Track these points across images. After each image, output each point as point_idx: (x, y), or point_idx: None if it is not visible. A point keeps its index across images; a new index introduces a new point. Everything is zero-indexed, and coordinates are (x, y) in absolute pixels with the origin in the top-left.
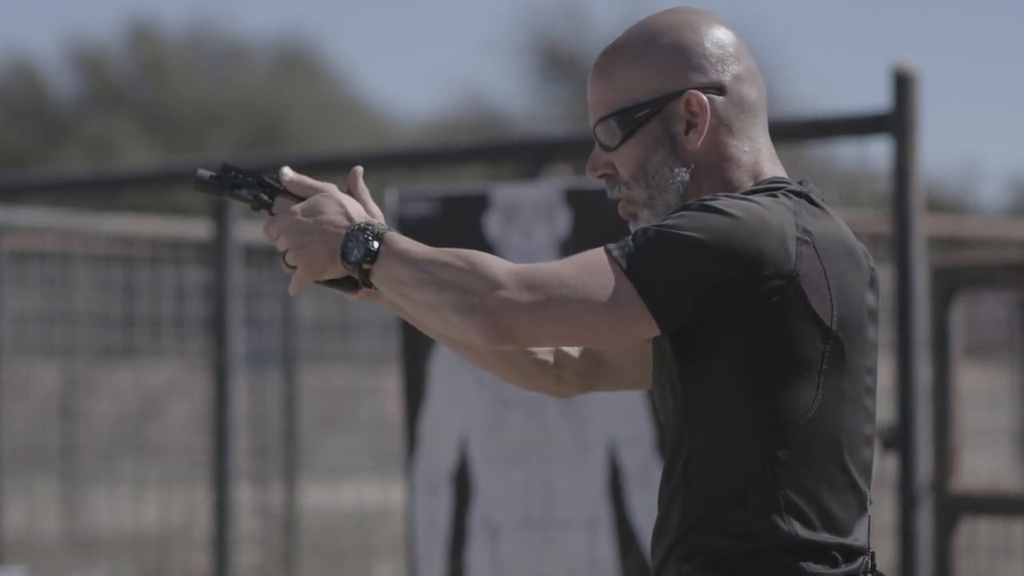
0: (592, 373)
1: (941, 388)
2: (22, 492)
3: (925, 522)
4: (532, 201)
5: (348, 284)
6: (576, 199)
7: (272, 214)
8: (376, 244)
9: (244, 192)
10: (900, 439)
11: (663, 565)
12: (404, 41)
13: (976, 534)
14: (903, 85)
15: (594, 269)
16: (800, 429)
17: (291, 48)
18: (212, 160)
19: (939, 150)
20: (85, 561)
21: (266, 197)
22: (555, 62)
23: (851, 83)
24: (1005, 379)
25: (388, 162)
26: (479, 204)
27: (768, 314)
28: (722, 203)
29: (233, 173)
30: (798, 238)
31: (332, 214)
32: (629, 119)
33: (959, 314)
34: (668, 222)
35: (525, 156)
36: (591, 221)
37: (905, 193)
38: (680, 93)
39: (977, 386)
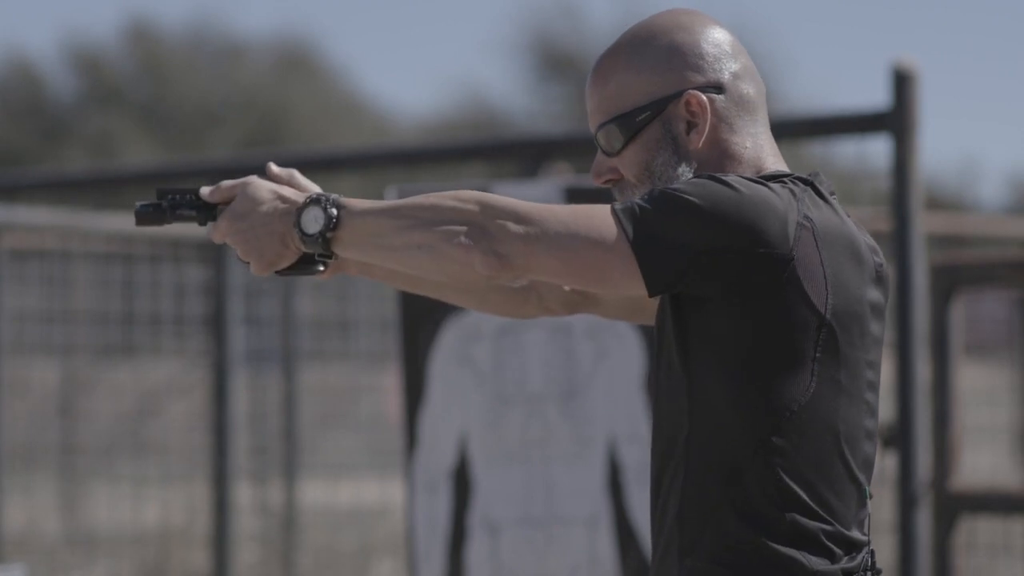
0: (578, 302)
1: (940, 386)
2: (22, 490)
3: (924, 520)
4: (531, 199)
5: (306, 264)
6: (575, 197)
7: None
8: (335, 211)
9: (185, 211)
10: (899, 437)
11: (664, 558)
12: (403, 40)
13: (975, 532)
14: (903, 83)
15: (592, 216)
16: (794, 415)
17: (291, 46)
18: (211, 158)
19: (939, 148)
20: (85, 559)
21: (209, 209)
22: (553, 61)
23: (851, 81)
24: (1005, 377)
25: (388, 160)
26: None
27: (762, 296)
28: (731, 178)
29: (170, 196)
30: (799, 223)
31: (268, 201)
32: (630, 123)
33: (959, 312)
34: (674, 185)
35: (524, 154)
36: None
37: (905, 191)
38: (679, 94)
39: (977, 384)
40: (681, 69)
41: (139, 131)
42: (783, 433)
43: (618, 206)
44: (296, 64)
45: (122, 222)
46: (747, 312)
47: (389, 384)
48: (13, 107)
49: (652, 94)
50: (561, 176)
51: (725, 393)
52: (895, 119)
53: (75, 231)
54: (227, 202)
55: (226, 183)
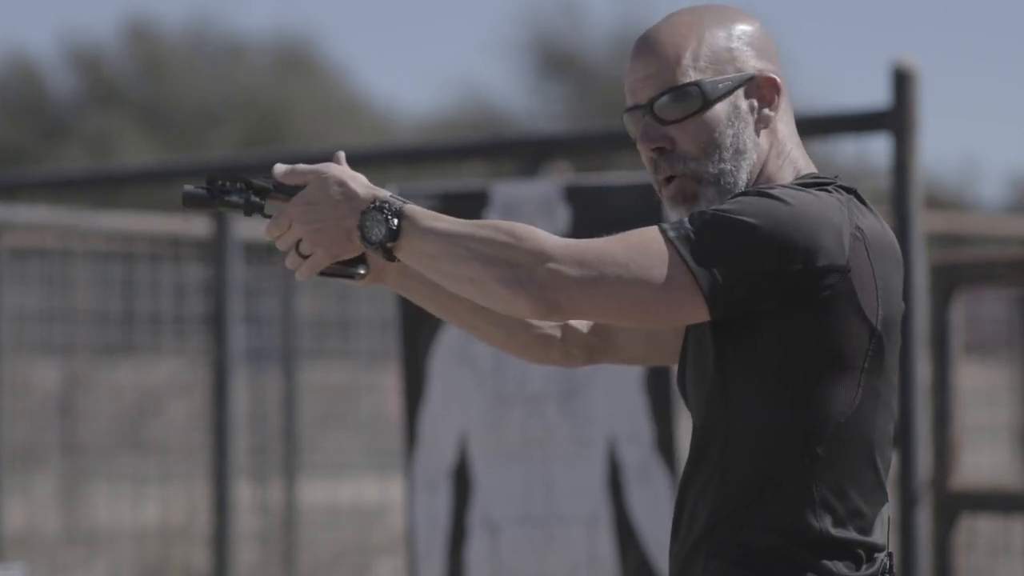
0: (599, 347)
1: (941, 385)
2: (22, 489)
3: (925, 519)
4: (531, 198)
5: (355, 264)
6: (575, 196)
7: (265, 216)
8: (396, 221)
9: (234, 198)
10: (900, 436)
11: (689, 562)
12: (404, 39)
13: (976, 531)
14: (903, 82)
15: (647, 249)
16: (840, 427)
17: (291, 46)
18: (211, 158)
19: (939, 147)
20: (85, 558)
21: (257, 199)
22: (553, 61)
23: (851, 80)
24: (1005, 376)
25: (388, 159)
26: (479, 201)
27: (817, 307)
28: (780, 192)
29: (220, 182)
30: (852, 234)
31: (337, 195)
32: (709, 91)
33: (959, 311)
34: (725, 207)
35: (524, 153)
36: (591, 217)
37: (905, 190)
38: (755, 75)
39: (977, 383)
40: (755, 53)
41: (139, 131)
42: (826, 444)
43: (672, 234)
44: (296, 64)
45: (122, 221)
46: (801, 325)
47: (389, 384)
48: (13, 107)
49: (730, 68)
50: (561, 175)
51: (773, 403)
52: (895, 118)
53: (75, 230)
54: (284, 195)
55: (302, 166)
